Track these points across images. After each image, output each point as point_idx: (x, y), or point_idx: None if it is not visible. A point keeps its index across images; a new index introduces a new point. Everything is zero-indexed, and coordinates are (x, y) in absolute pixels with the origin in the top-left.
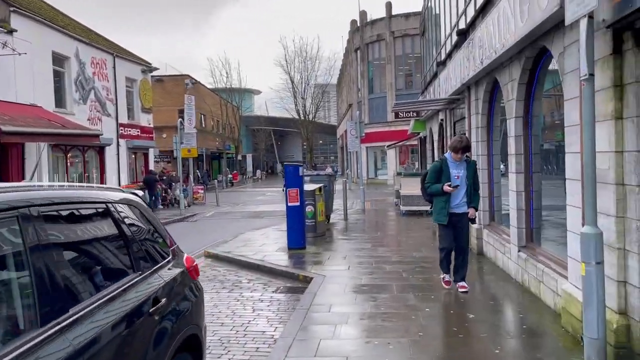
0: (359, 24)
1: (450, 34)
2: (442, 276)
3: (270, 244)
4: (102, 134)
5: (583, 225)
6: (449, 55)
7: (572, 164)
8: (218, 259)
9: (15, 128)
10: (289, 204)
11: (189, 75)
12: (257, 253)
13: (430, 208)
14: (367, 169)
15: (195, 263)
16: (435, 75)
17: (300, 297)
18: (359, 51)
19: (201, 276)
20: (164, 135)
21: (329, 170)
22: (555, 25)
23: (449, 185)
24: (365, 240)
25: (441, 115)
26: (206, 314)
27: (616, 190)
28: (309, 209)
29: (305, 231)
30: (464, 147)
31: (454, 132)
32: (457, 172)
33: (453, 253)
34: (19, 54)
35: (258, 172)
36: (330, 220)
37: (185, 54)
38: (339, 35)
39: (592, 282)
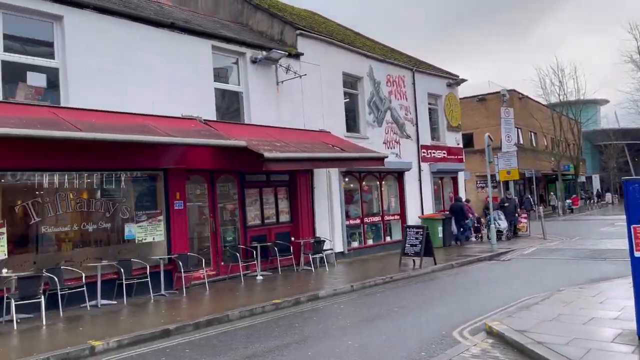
0: None
1: None
2: None
3: (604, 320)
4: (386, 157)
5: None
6: None
7: None
8: (504, 343)
9: (277, 154)
10: (637, 254)
11: (514, 90)
12: (574, 341)
13: None
14: None
15: None
16: None
17: None
18: None
19: None
20: None
21: None
22: None
23: None
24: None
25: None
26: None
27: None
28: None
29: None
30: None
31: None
32: None
33: None
34: (300, 77)
35: (607, 195)
36: None
37: (511, 68)
38: None
39: None
